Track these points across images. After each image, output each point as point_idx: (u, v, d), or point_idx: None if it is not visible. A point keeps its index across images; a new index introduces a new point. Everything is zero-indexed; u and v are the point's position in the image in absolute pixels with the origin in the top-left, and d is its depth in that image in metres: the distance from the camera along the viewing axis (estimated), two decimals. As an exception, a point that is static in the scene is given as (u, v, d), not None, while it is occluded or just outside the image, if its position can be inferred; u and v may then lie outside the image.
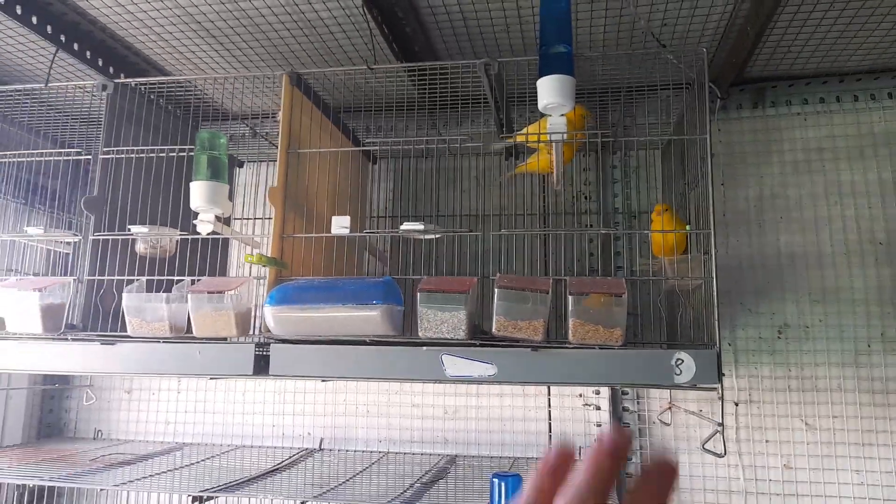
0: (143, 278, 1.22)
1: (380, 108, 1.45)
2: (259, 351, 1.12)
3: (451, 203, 1.70)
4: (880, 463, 1.43)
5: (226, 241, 1.53)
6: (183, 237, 1.33)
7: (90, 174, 1.43)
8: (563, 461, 0.31)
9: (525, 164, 1.40)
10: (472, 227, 1.65)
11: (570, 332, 1.03)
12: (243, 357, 1.11)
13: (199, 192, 1.18)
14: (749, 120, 1.61)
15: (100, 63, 1.42)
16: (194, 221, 1.21)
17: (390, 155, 1.74)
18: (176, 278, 1.24)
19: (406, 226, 1.16)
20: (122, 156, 1.32)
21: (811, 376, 1.48)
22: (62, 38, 1.31)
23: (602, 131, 1.24)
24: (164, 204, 1.35)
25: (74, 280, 1.24)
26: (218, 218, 1.21)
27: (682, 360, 1.00)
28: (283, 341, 1.12)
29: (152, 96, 1.46)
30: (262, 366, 1.11)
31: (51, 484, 1.29)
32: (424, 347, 1.06)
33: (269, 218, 1.73)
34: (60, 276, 1.72)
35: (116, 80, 1.36)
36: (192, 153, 1.23)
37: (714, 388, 1.03)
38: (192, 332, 1.15)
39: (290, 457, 1.57)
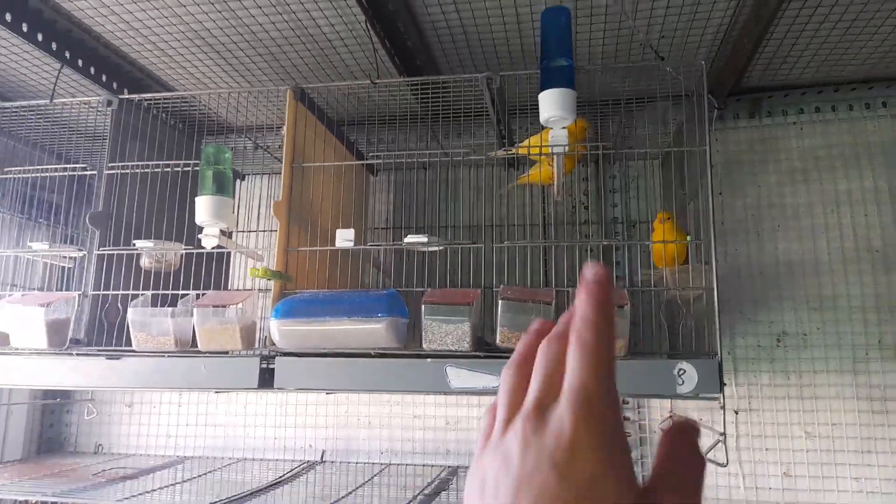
0: (149, 293, 1.23)
1: (382, 121, 1.46)
2: (264, 364, 1.12)
3: (452, 214, 1.71)
4: (879, 470, 1.43)
5: (228, 255, 1.53)
6: (186, 251, 1.33)
7: (94, 189, 1.43)
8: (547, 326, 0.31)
9: (527, 176, 1.41)
10: (473, 238, 1.66)
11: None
12: (248, 370, 1.12)
13: (204, 207, 1.18)
14: (746, 129, 1.63)
15: (104, 79, 1.43)
16: (199, 235, 1.22)
17: (393, 167, 1.75)
18: (181, 292, 1.24)
19: (410, 238, 1.17)
20: (127, 171, 1.33)
21: (810, 384, 1.49)
22: (67, 54, 1.32)
23: (603, 143, 1.25)
24: (167, 218, 1.36)
25: (79, 295, 1.24)
26: (222, 231, 1.22)
27: (685, 370, 1.01)
28: (288, 354, 1.12)
29: (155, 111, 1.46)
30: (266, 379, 1.11)
31: (52, 499, 1.28)
32: (429, 359, 1.07)
33: (271, 231, 1.74)
34: (58, 290, 1.72)
35: (121, 97, 1.37)
36: (195, 168, 1.23)
37: (716, 398, 1.04)
38: (196, 346, 1.16)
39: (292, 469, 1.57)
